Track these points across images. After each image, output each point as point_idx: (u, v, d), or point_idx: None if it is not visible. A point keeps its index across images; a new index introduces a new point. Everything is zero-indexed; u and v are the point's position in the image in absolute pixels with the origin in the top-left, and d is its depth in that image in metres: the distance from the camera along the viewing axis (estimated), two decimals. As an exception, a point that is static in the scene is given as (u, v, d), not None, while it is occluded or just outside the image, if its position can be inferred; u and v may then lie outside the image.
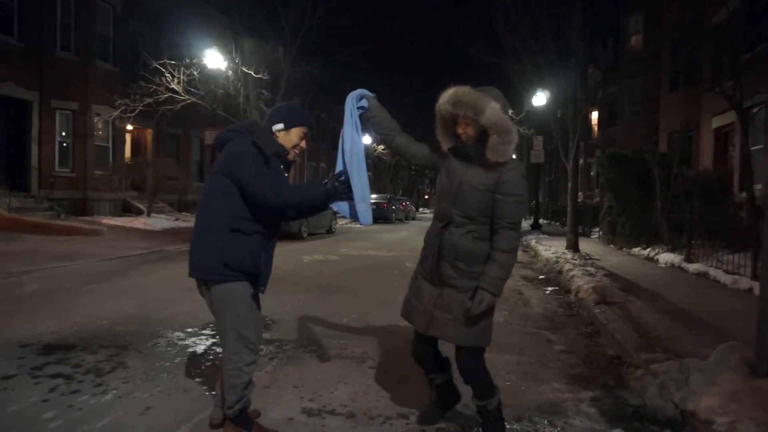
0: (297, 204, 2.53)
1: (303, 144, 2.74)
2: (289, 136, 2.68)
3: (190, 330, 4.78)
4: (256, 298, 2.73)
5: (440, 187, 2.66)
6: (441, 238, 2.57)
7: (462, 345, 2.60)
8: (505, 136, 2.47)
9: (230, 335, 2.58)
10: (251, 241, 2.54)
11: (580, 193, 17.45)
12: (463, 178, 2.55)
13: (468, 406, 3.24)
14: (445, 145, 2.68)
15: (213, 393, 3.33)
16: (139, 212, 17.89)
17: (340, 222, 19.86)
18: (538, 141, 19.29)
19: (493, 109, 2.46)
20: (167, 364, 3.85)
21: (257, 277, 2.62)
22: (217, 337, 4.57)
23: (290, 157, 2.72)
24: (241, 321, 2.57)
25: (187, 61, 15.69)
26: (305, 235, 14.82)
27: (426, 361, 2.83)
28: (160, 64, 15.31)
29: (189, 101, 15.87)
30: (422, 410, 3.04)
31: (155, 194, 18.31)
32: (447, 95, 2.55)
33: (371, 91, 2.81)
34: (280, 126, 2.66)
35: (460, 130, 2.56)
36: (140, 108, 15.73)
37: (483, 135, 2.51)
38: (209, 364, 3.89)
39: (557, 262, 9.40)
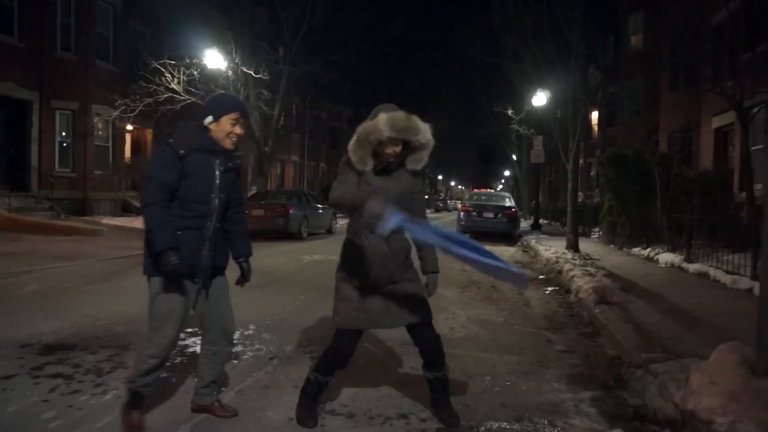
0: (144, 217, 2.63)
1: (237, 130, 2.77)
2: (221, 126, 2.74)
3: (190, 330, 4.77)
4: (215, 291, 2.88)
5: None
6: (389, 247, 2.80)
7: (429, 320, 2.95)
8: (430, 150, 2.83)
9: (149, 324, 2.74)
10: (181, 238, 2.65)
11: (580, 193, 17.44)
12: (397, 190, 2.81)
13: (468, 406, 3.25)
14: (365, 165, 2.77)
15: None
16: (139, 212, 17.84)
17: (340, 222, 19.84)
18: (538, 141, 19.31)
19: (425, 129, 2.77)
20: (167, 364, 3.84)
21: (190, 272, 2.70)
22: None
23: (227, 145, 2.78)
24: (157, 314, 2.71)
25: (187, 61, 15.67)
26: (305, 235, 14.82)
27: (349, 360, 3.02)
28: (160, 64, 15.30)
29: (189, 101, 15.86)
30: (301, 413, 2.95)
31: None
32: (391, 122, 2.68)
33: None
34: (210, 119, 2.74)
35: (389, 151, 2.75)
36: (140, 108, 15.72)
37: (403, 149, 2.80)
38: (209, 364, 3.89)
39: (557, 262, 9.39)
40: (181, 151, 2.65)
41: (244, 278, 3.02)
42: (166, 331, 2.71)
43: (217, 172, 2.77)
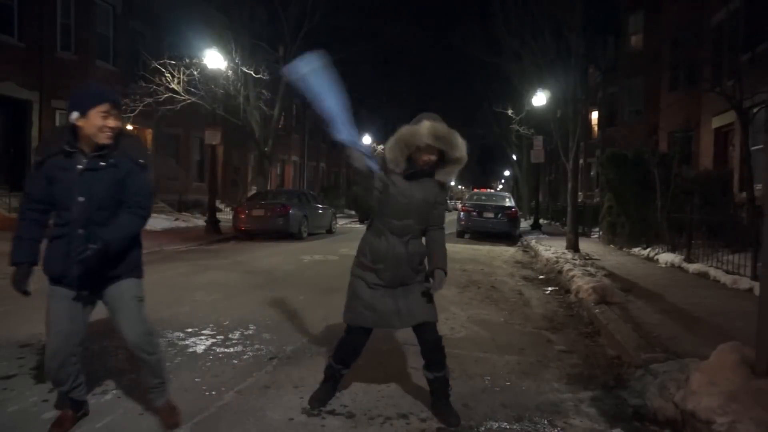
0: None
1: (110, 123, 2.55)
2: (91, 120, 2.52)
3: (190, 330, 4.78)
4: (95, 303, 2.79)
5: (394, 205, 2.88)
6: (407, 250, 2.91)
7: (434, 321, 3.02)
8: (461, 165, 2.87)
9: None
10: (53, 246, 2.63)
11: (580, 193, 17.42)
12: (421, 196, 2.89)
13: (468, 406, 3.25)
14: (398, 166, 2.84)
15: (213, 393, 3.34)
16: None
17: (340, 222, 19.88)
18: (538, 141, 19.28)
19: (463, 145, 2.82)
20: (167, 364, 3.82)
21: (62, 281, 2.64)
22: (218, 337, 4.59)
23: (102, 140, 2.55)
24: (47, 322, 2.68)
25: (187, 61, 15.66)
26: (305, 235, 14.81)
27: (357, 356, 3.15)
28: (160, 64, 15.29)
29: (189, 101, 15.85)
30: (314, 393, 3.19)
31: (155, 194, 18.27)
32: (433, 130, 2.73)
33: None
34: (76, 114, 2.52)
35: (425, 158, 2.81)
36: (140, 108, 15.71)
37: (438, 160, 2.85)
38: (209, 364, 3.90)
39: (557, 262, 9.39)
40: (38, 158, 2.55)
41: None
42: (48, 337, 2.69)
43: (78, 173, 2.54)
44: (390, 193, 2.85)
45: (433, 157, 2.82)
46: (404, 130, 2.79)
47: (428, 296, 2.98)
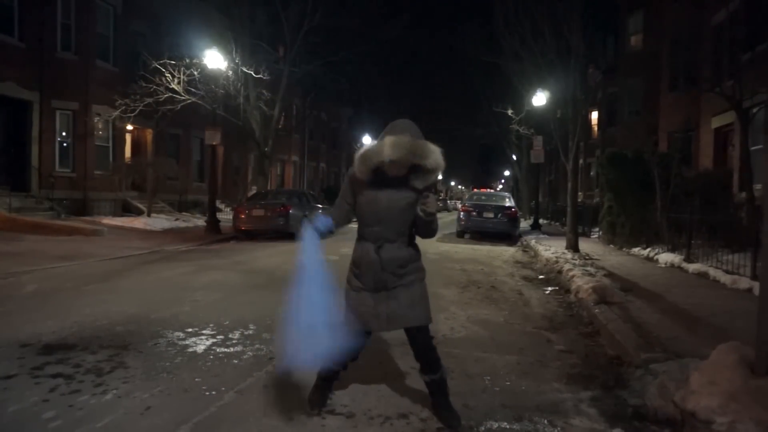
0: None
1: None
2: None
3: (190, 330, 4.78)
4: None
5: (364, 214, 2.95)
6: (379, 255, 2.90)
7: (421, 325, 2.97)
8: (438, 171, 2.86)
9: None
10: None
11: (580, 193, 17.43)
12: (390, 203, 2.87)
13: (468, 406, 3.25)
14: (366, 177, 2.87)
15: (213, 393, 3.34)
16: (139, 212, 17.89)
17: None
18: (538, 141, 19.28)
19: (435, 153, 2.81)
20: (167, 364, 3.85)
21: None
22: (218, 337, 4.59)
23: None
24: None
25: (187, 61, 15.66)
26: (305, 235, 14.78)
27: (358, 353, 3.15)
28: (160, 64, 15.28)
29: (189, 101, 15.85)
30: (313, 395, 3.15)
31: (155, 194, 18.30)
32: (394, 146, 2.73)
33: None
34: None
35: (394, 171, 2.82)
36: (140, 108, 15.71)
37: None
38: (209, 364, 3.90)
39: (557, 262, 9.39)
40: None
41: None
42: None
43: None
44: (359, 203, 2.94)
45: (403, 170, 2.82)
46: (368, 150, 2.82)
47: (415, 299, 2.94)
